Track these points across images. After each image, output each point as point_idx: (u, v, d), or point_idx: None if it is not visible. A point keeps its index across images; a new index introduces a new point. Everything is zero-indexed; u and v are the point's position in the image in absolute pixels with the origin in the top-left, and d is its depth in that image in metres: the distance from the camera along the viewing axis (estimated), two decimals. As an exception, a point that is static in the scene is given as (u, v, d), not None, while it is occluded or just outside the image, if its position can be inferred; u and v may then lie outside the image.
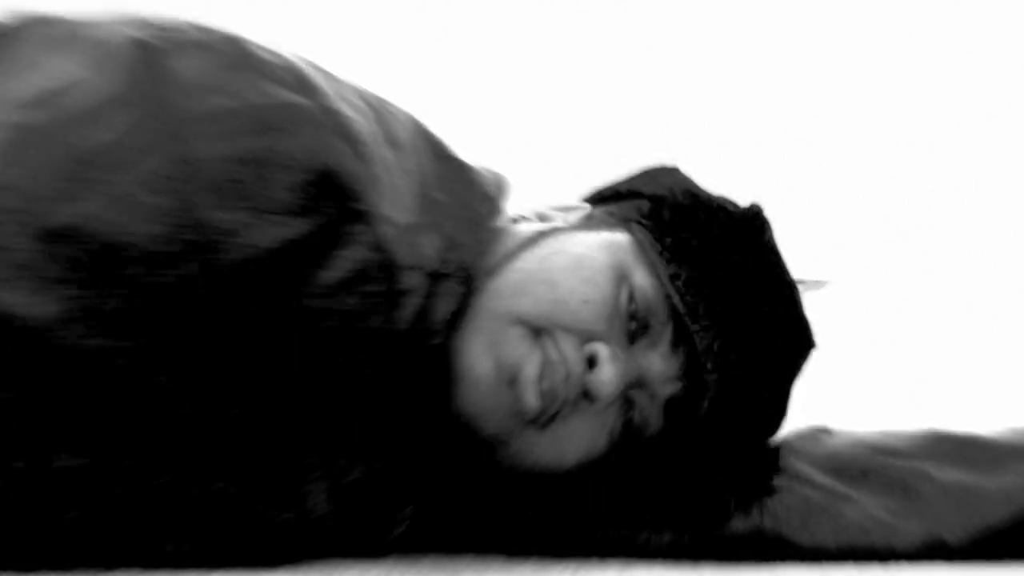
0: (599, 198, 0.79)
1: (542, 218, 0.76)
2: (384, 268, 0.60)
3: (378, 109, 0.68)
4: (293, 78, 0.62)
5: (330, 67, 0.68)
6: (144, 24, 0.61)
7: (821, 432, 0.78)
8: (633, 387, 0.69)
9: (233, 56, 0.61)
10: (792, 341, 0.74)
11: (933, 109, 1.83)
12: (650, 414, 0.70)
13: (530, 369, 0.64)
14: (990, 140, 1.87)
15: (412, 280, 0.61)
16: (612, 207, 0.76)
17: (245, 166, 0.57)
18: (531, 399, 0.64)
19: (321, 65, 0.67)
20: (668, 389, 0.69)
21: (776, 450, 0.75)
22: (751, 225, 0.74)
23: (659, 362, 0.69)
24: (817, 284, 0.76)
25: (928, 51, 1.81)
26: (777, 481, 0.71)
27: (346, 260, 0.58)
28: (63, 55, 0.59)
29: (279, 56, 0.63)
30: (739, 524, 0.69)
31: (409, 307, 0.61)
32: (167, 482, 0.56)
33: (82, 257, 0.53)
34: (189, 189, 0.55)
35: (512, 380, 0.64)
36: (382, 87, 0.71)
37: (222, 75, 0.59)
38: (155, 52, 0.59)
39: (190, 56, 0.59)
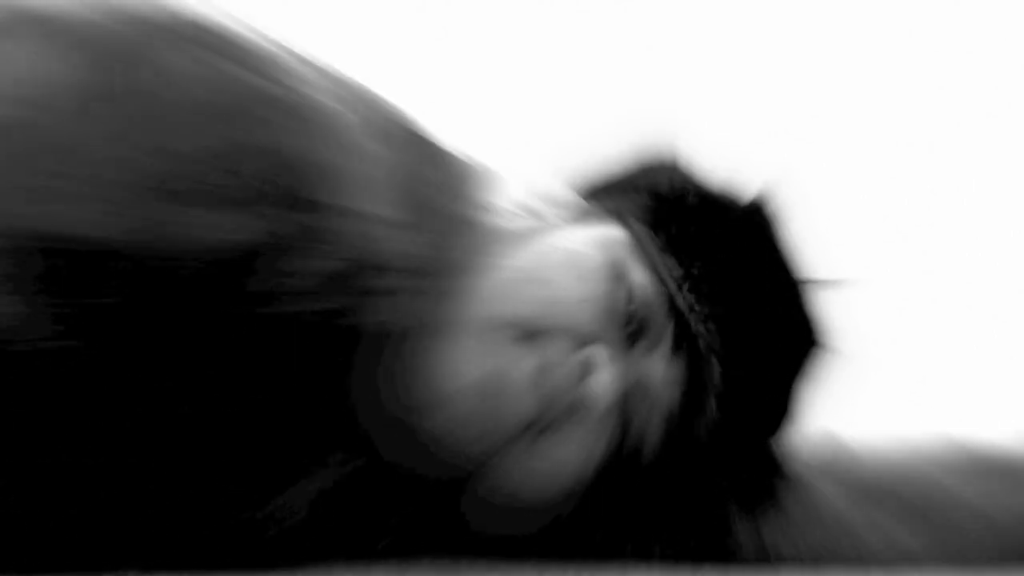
0: (593, 191, 0.76)
1: (533, 213, 0.73)
2: (363, 267, 0.57)
3: (367, 102, 0.66)
4: (276, 69, 0.60)
5: (319, 57, 0.66)
6: (128, 16, 0.59)
7: (833, 441, 0.76)
8: (632, 394, 0.66)
9: (216, 47, 0.59)
10: (797, 342, 0.72)
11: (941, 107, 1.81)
12: (650, 423, 0.67)
13: (523, 373, 0.61)
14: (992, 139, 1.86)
15: (393, 280, 0.59)
16: (607, 201, 0.73)
17: (218, 161, 0.54)
18: (524, 406, 0.61)
19: (309, 55, 0.65)
20: (669, 395, 0.67)
21: (785, 460, 0.73)
22: (755, 220, 0.72)
23: (659, 366, 0.66)
24: (836, 282, 0.73)
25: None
26: (785, 492, 0.69)
27: (324, 258, 0.56)
28: (43, 49, 0.57)
29: (263, 47, 0.61)
30: (743, 537, 0.67)
31: (389, 309, 0.58)
32: (137, 486, 0.54)
33: (46, 259, 0.51)
34: (158, 187, 0.53)
35: (502, 386, 0.61)
36: (374, 78, 0.69)
37: (201, 68, 0.57)
38: (136, 45, 0.57)
39: (172, 49, 0.58)
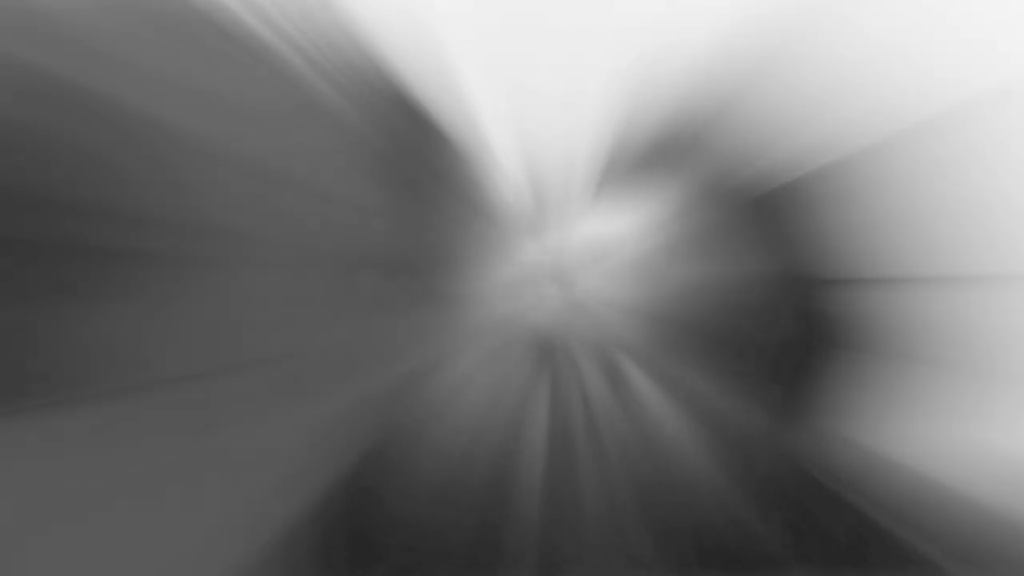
0: (611, 172, 0.72)
1: (540, 198, 0.68)
2: (344, 261, 0.52)
3: (363, 75, 0.61)
4: (260, 48, 0.56)
5: (319, 28, 0.62)
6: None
7: (862, 452, 0.73)
8: (671, 410, 0.61)
9: (203, 30, 0.55)
10: (804, 340, 0.69)
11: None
12: (685, 440, 0.63)
13: (538, 396, 0.56)
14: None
15: (358, 276, 0.53)
16: (628, 185, 0.69)
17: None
18: (540, 434, 0.56)
19: (308, 28, 0.61)
20: (711, 409, 0.62)
21: (816, 472, 0.70)
22: (767, 211, 0.69)
23: (693, 372, 0.62)
24: (858, 282, 0.70)
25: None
26: (812, 505, 0.66)
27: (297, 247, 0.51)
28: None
29: (252, 28, 0.57)
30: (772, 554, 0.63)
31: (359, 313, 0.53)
32: None
33: None
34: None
35: (513, 412, 0.56)
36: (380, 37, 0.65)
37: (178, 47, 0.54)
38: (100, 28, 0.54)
39: (152, 35, 0.54)
